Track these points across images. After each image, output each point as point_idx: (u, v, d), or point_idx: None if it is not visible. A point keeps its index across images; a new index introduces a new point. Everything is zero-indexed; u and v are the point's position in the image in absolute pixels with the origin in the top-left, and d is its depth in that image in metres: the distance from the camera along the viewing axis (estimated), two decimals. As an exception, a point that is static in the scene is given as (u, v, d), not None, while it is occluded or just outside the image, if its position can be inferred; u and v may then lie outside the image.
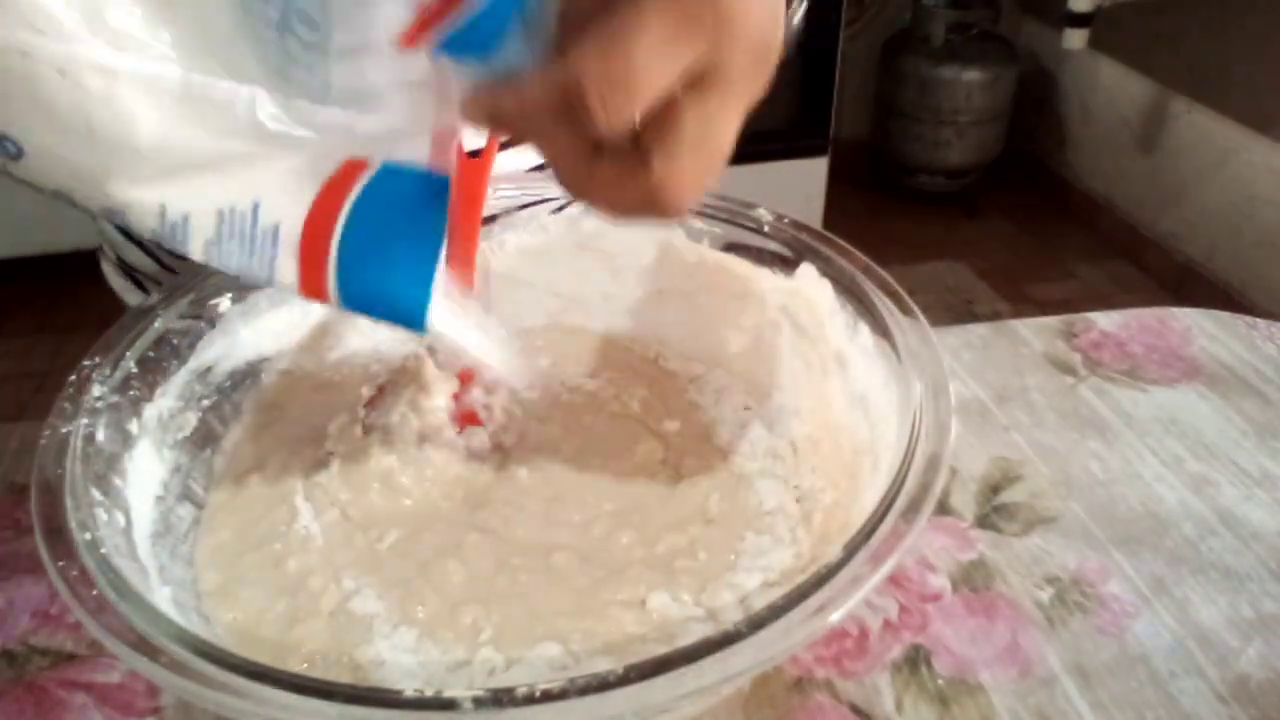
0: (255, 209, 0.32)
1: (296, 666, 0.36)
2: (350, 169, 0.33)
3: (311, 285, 0.33)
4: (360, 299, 0.33)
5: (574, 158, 0.31)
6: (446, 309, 0.36)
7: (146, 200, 0.31)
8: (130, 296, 0.66)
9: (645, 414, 0.49)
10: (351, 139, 0.32)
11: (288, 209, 0.32)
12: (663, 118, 0.30)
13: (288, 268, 0.32)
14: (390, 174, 0.33)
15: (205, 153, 0.31)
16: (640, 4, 0.29)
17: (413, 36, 0.30)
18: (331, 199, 0.32)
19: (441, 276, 0.35)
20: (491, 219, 0.52)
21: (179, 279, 0.45)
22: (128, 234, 0.63)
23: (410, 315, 0.34)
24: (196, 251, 0.32)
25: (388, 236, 0.33)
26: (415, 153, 0.33)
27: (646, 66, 0.28)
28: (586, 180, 0.32)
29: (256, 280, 0.33)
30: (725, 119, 0.31)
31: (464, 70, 0.31)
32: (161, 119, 0.30)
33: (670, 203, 0.31)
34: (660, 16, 0.28)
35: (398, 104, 0.32)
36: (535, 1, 0.30)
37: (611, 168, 0.31)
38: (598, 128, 0.29)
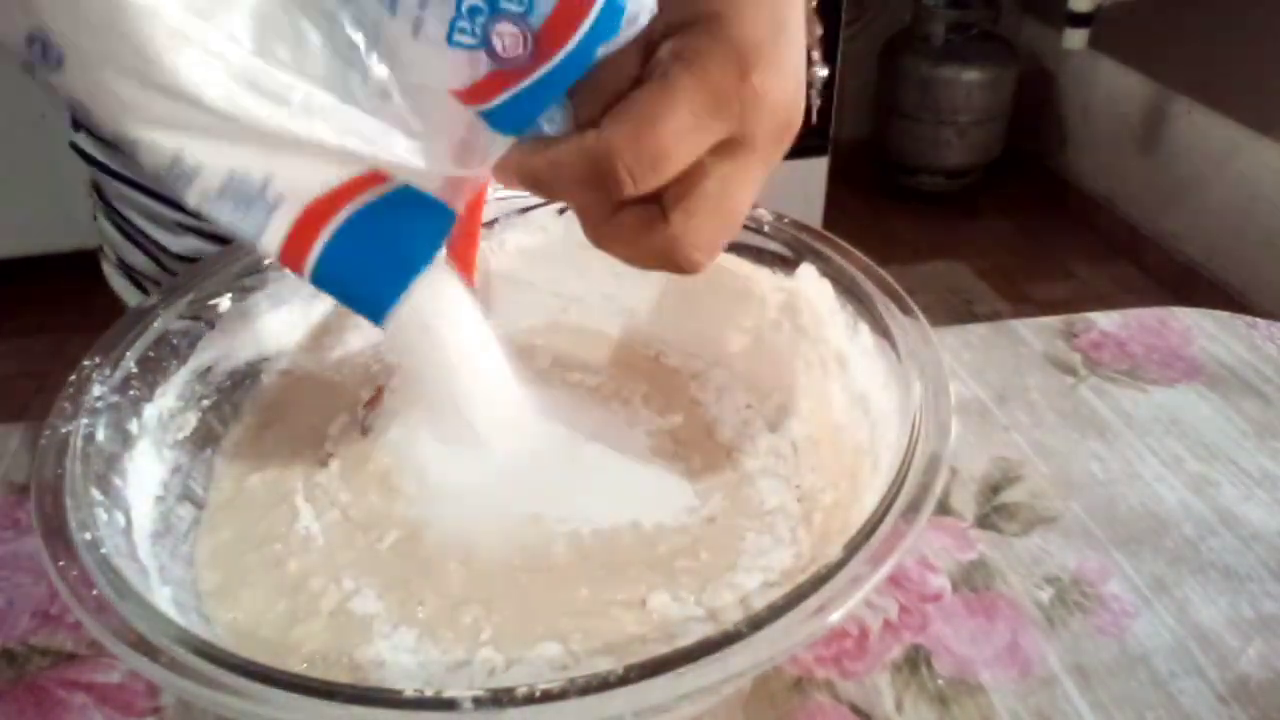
0: (266, 181, 0.32)
1: (296, 667, 0.36)
2: (372, 176, 0.33)
3: (291, 258, 0.33)
4: (333, 281, 0.34)
5: (597, 212, 0.33)
6: (417, 330, 0.37)
7: (164, 145, 0.32)
8: (130, 297, 0.66)
9: (648, 409, 0.49)
10: (382, 160, 0.33)
11: (296, 191, 0.33)
12: (685, 177, 0.31)
13: (274, 238, 0.33)
14: (407, 191, 0.34)
15: (243, 129, 0.31)
16: (672, 83, 0.30)
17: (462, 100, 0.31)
18: (342, 194, 0.33)
19: (424, 300, 0.36)
20: (491, 220, 0.52)
21: (178, 279, 0.45)
22: (128, 235, 0.63)
23: (373, 305, 0.35)
24: (190, 199, 0.32)
25: (382, 239, 0.34)
26: (431, 185, 0.34)
27: (676, 146, 0.30)
28: (607, 231, 0.33)
29: (237, 236, 0.33)
30: (744, 183, 0.32)
31: (500, 137, 0.32)
32: (216, 91, 0.30)
33: (686, 258, 0.32)
34: (691, 97, 0.29)
35: (431, 142, 0.33)
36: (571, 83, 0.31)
37: (632, 221, 0.32)
38: (625, 196, 0.30)
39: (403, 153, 0.33)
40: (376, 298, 0.35)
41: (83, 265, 0.84)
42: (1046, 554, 0.49)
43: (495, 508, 0.42)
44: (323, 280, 0.34)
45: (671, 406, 0.49)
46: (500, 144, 0.33)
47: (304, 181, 0.33)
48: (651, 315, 0.54)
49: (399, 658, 0.36)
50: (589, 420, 0.46)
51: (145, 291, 0.64)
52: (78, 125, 0.62)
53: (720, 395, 0.50)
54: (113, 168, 0.60)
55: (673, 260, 0.32)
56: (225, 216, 0.33)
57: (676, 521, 0.42)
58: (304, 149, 0.32)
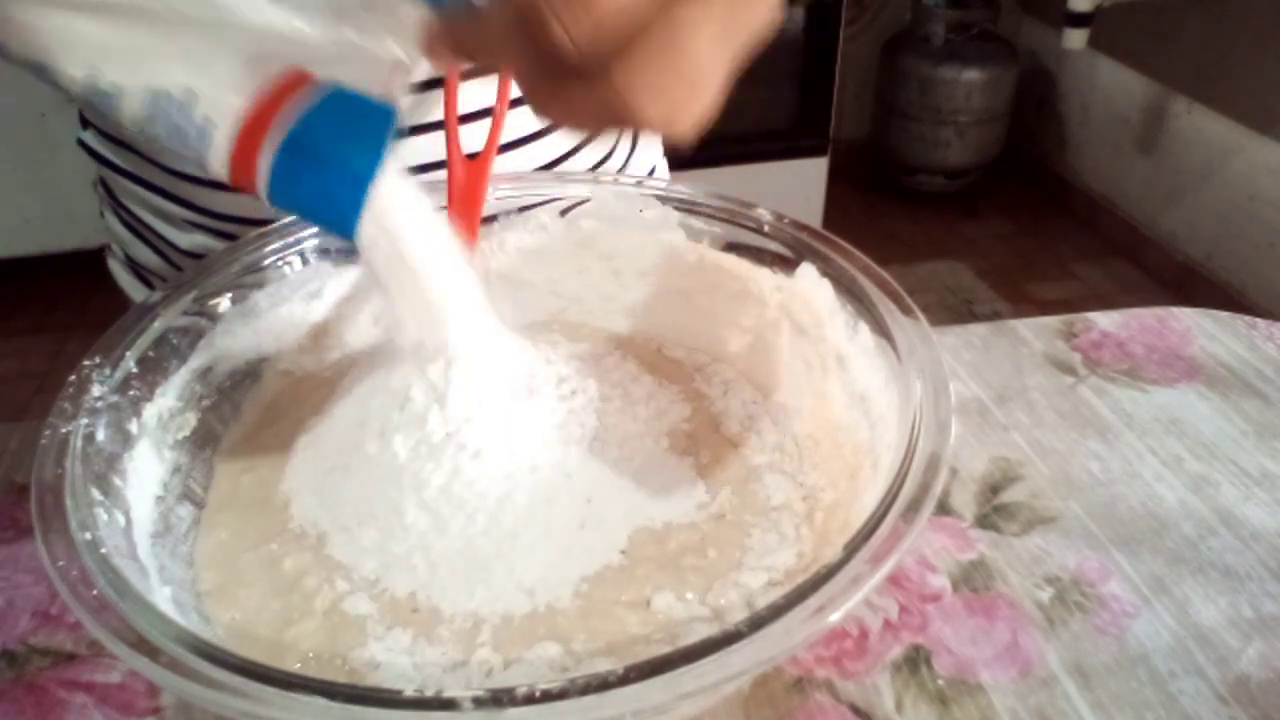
0: (188, 98, 0.32)
1: (291, 668, 0.36)
2: (294, 78, 0.33)
3: (243, 180, 0.33)
4: (291, 198, 0.34)
5: (537, 76, 0.30)
6: (388, 242, 0.37)
7: (75, 71, 0.31)
8: (136, 294, 0.66)
9: (656, 403, 0.49)
10: (297, 49, 0.33)
11: (222, 104, 0.32)
12: (627, 29, 0.28)
13: (219, 160, 0.32)
14: (338, 92, 0.33)
15: (144, 22, 0.31)
16: None
17: None
18: (273, 101, 0.32)
19: (385, 199, 0.35)
20: (491, 218, 0.52)
21: (178, 278, 0.45)
22: (136, 232, 0.63)
23: (340, 217, 0.34)
24: (127, 124, 0.32)
25: (329, 146, 0.33)
26: (358, 77, 0.33)
27: None
28: (549, 97, 0.31)
29: (188, 163, 0.33)
30: (698, 25, 0.29)
31: (419, 4, 0.31)
32: None
33: (631, 109, 0.29)
34: None
35: (350, 22, 0.32)
36: None
37: (575, 82, 0.30)
38: (557, 46, 0.28)
39: (320, 33, 0.32)
40: (338, 212, 0.34)
41: (82, 265, 0.84)
42: (1046, 554, 0.49)
43: (506, 506, 0.42)
44: (280, 200, 0.33)
45: (678, 400, 0.49)
46: (417, 10, 0.31)
47: (225, 92, 0.32)
48: (651, 315, 0.54)
49: (395, 658, 0.36)
50: (602, 417, 0.46)
51: (152, 288, 0.64)
52: (85, 123, 0.62)
53: (726, 390, 0.50)
54: (120, 165, 0.60)
55: (617, 113, 0.29)
56: (165, 143, 0.32)
57: (687, 518, 0.42)
58: (214, 43, 0.31)
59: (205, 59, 0.32)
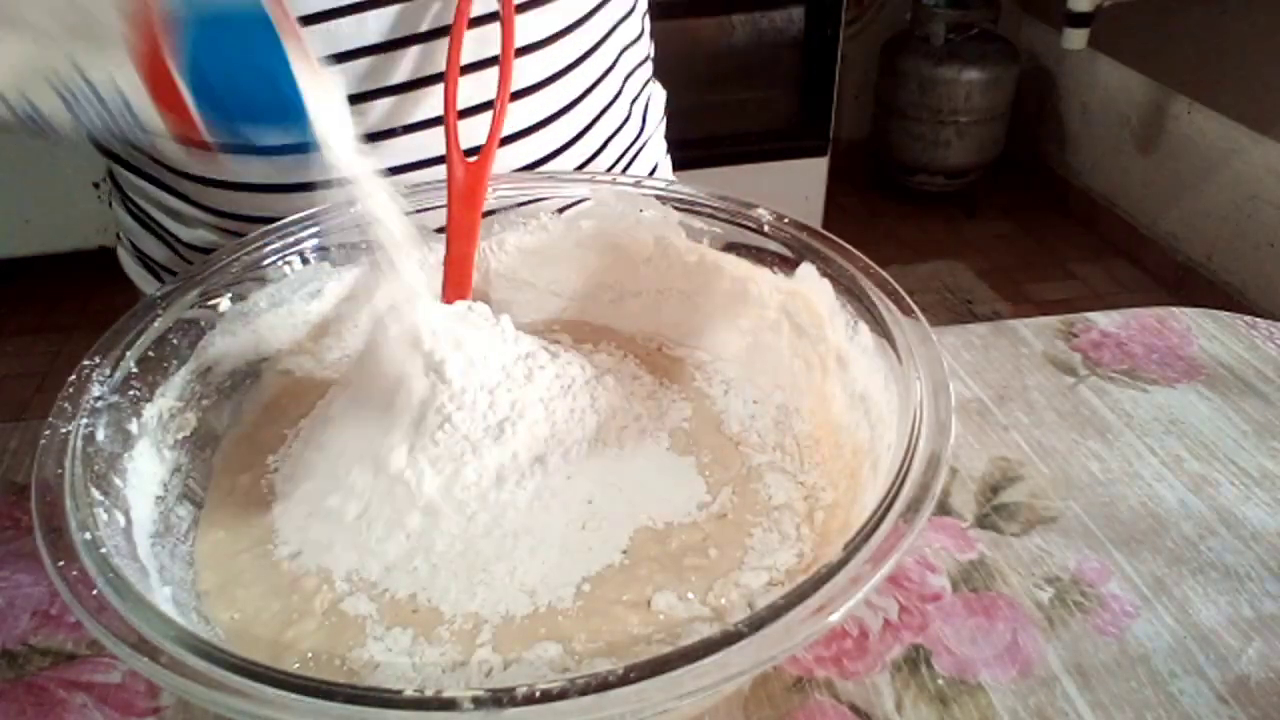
0: (85, 76, 0.33)
1: (291, 668, 0.36)
2: (151, 16, 0.33)
3: (183, 127, 0.34)
4: (229, 121, 0.35)
5: None
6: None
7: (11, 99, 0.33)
8: (145, 285, 0.66)
9: (657, 402, 0.49)
10: None
11: (113, 71, 0.33)
12: None
13: (154, 121, 0.34)
14: (199, 11, 0.34)
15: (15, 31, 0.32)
16: None
17: None
18: (152, 46, 0.33)
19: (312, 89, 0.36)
20: (490, 213, 0.52)
21: (178, 278, 0.45)
22: (144, 224, 0.63)
23: (280, 108, 0.35)
24: (66, 128, 0.34)
25: (232, 60, 0.34)
26: None
27: None
28: None
29: (138, 139, 0.34)
30: None
31: None
32: None
33: None
34: None
35: None
36: None
37: None
38: None
39: None
40: (276, 105, 0.35)
41: (83, 265, 0.84)
42: (1046, 554, 0.49)
43: (506, 507, 0.42)
44: (222, 128, 0.34)
45: (679, 399, 0.49)
46: None
47: (109, 61, 0.33)
48: (651, 315, 0.54)
49: (395, 659, 0.36)
50: (602, 416, 0.46)
51: (160, 279, 0.65)
52: None
53: (727, 389, 0.50)
54: (128, 161, 0.61)
55: None
56: (101, 127, 0.33)
57: (688, 518, 0.42)
58: (70, 26, 0.32)
59: (72, 43, 0.33)
